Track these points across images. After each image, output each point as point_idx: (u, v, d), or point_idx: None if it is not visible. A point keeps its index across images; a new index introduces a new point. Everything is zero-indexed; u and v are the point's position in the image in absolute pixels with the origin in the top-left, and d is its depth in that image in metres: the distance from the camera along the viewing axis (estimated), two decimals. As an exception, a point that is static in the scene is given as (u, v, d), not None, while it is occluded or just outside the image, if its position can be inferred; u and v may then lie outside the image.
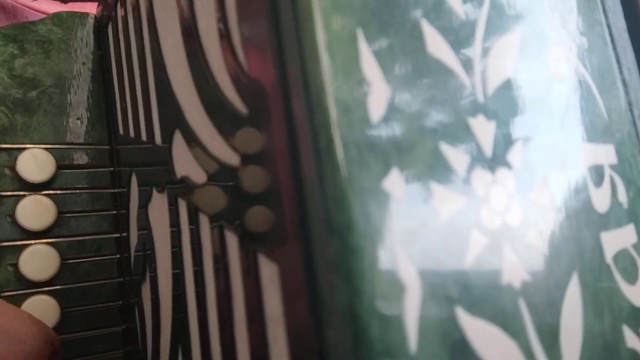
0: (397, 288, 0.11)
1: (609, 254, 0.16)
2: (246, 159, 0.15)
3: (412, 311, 0.12)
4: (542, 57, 0.17)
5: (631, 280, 0.16)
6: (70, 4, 0.45)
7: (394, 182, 0.12)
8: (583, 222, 0.16)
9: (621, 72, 0.19)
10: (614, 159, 0.17)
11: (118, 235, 0.33)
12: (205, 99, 0.19)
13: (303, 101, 0.12)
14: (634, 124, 0.19)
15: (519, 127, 0.15)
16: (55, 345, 0.24)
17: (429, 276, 0.12)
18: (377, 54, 0.13)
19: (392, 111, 0.13)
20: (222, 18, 0.16)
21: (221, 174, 0.17)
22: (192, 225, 0.20)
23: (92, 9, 0.44)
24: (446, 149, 0.13)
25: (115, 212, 0.33)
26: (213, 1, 0.17)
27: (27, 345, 0.22)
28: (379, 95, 0.13)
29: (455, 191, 0.13)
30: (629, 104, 0.19)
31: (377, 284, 0.11)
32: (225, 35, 0.16)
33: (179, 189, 0.22)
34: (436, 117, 0.14)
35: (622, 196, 0.17)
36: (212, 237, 0.18)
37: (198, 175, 0.20)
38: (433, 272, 0.12)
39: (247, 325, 0.16)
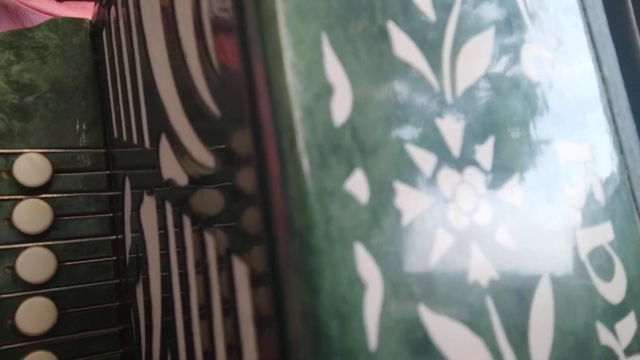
0: (357, 287, 0.12)
1: (583, 252, 0.16)
2: (219, 161, 0.15)
3: (372, 310, 0.12)
4: (515, 56, 0.17)
5: (607, 277, 0.16)
6: (66, 2, 0.46)
7: (357, 183, 0.12)
8: (556, 219, 0.16)
9: (600, 70, 0.19)
10: (590, 157, 0.18)
11: (114, 237, 0.33)
12: (185, 103, 0.19)
13: (268, 104, 0.13)
14: (614, 121, 0.19)
15: (489, 127, 0.15)
16: None
17: (391, 275, 0.12)
18: (342, 58, 0.13)
19: (357, 113, 0.13)
20: (198, 23, 0.17)
21: (199, 176, 0.18)
22: (176, 227, 0.21)
23: (89, 7, 0.45)
24: (412, 149, 0.14)
25: (111, 214, 0.34)
26: (190, 10, 0.17)
27: None
28: (342, 98, 0.13)
29: (421, 191, 0.13)
30: (609, 101, 0.19)
31: (337, 284, 0.11)
32: (201, 40, 0.16)
33: (166, 191, 0.22)
34: (402, 118, 0.14)
35: (599, 194, 0.17)
36: (194, 239, 0.18)
37: (181, 178, 0.20)
38: (396, 271, 0.12)
39: (224, 326, 0.16)
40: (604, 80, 0.19)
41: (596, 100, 0.19)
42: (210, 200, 0.16)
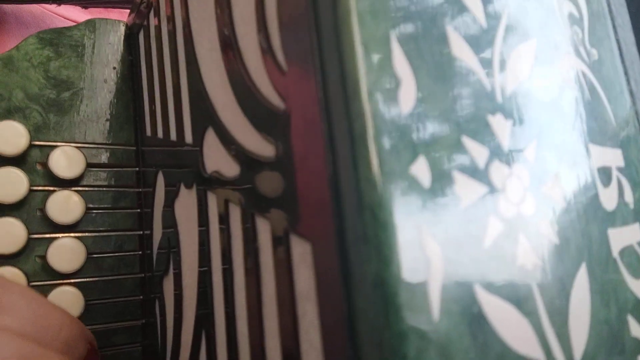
0: (422, 261, 0.13)
1: (615, 249, 0.17)
2: (281, 149, 0.17)
3: (435, 283, 0.13)
4: (555, 65, 0.18)
5: (636, 274, 0.18)
6: (90, 9, 0.47)
7: (420, 168, 0.14)
8: (591, 217, 0.17)
9: (629, 83, 0.21)
10: (621, 162, 0.19)
11: (141, 232, 0.34)
12: (241, 98, 0.20)
13: (341, 93, 0.14)
14: (640, 132, 0.20)
15: (533, 127, 0.16)
16: (92, 344, 0.25)
17: (450, 253, 0.13)
18: (408, 54, 0.14)
19: (420, 105, 0.14)
20: (262, 23, 0.18)
21: (255, 166, 0.19)
22: (222, 216, 0.22)
23: (111, 14, 0.46)
24: (468, 142, 0.15)
25: (139, 210, 0.35)
26: (253, 10, 0.18)
27: (62, 334, 0.22)
28: (408, 90, 0.14)
29: (476, 180, 0.15)
30: (636, 112, 0.20)
31: (404, 256, 0.12)
32: (264, 38, 0.18)
33: (209, 183, 0.23)
34: (459, 112, 0.15)
35: (629, 197, 0.19)
36: (243, 224, 0.19)
37: (230, 169, 0.21)
38: (454, 250, 0.13)
39: (277, 304, 0.17)
40: (631, 93, 0.21)
41: (625, 111, 0.20)
42: (269, 186, 0.17)
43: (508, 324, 0.14)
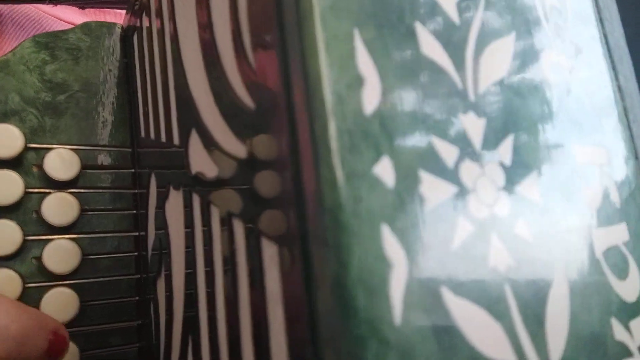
0: (383, 264, 0.12)
1: (598, 250, 0.17)
2: (252, 151, 0.16)
3: (397, 287, 0.12)
4: (534, 61, 0.17)
5: (621, 275, 0.17)
6: (87, 10, 0.47)
7: (384, 168, 0.13)
8: (572, 217, 0.16)
9: (617, 79, 0.20)
10: (606, 161, 0.18)
11: (137, 233, 0.34)
12: (219, 99, 0.20)
13: (302, 92, 0.13)
14: (629, 128, 0.20)
15: (509, 125, 0.16)
16: (57, 333, 0.24)
17: (415, 256, 0.13)
18: (373, 53, 0.14)
19: (386, 104, 0.14)
20: (235, 21, 0.18)
21: (230, 167, 0.18)
22: (204, 217, 0.22)
23: (108, 16, 0.46)
24: (436, 141, 0.14)
25: (135, 211, 0.35)
26: (227, 8, 0.18)
27: (12, 330, 0.21)
28: (372, 89, 0.14)
29: (444, 180, 0.14)
30: (624, 109, 0.20)
31: (364, 259, 0.12)
32: (237, 36, 0.17)
33: (193, 185, 0.23)
34: (428, 111, 0.14)
35: (615, 196, 0.18)
36: (222, 226, 0.19)
37: (210, 170, 0.21)
38: (420, 253, 0.13)
39: (250, 307, 0.17)
40: (620, 89, 0.20)
41: (612, 107, 0.19)
42: (240, 189, 0.17)
43: (477, 327, 0.13)
